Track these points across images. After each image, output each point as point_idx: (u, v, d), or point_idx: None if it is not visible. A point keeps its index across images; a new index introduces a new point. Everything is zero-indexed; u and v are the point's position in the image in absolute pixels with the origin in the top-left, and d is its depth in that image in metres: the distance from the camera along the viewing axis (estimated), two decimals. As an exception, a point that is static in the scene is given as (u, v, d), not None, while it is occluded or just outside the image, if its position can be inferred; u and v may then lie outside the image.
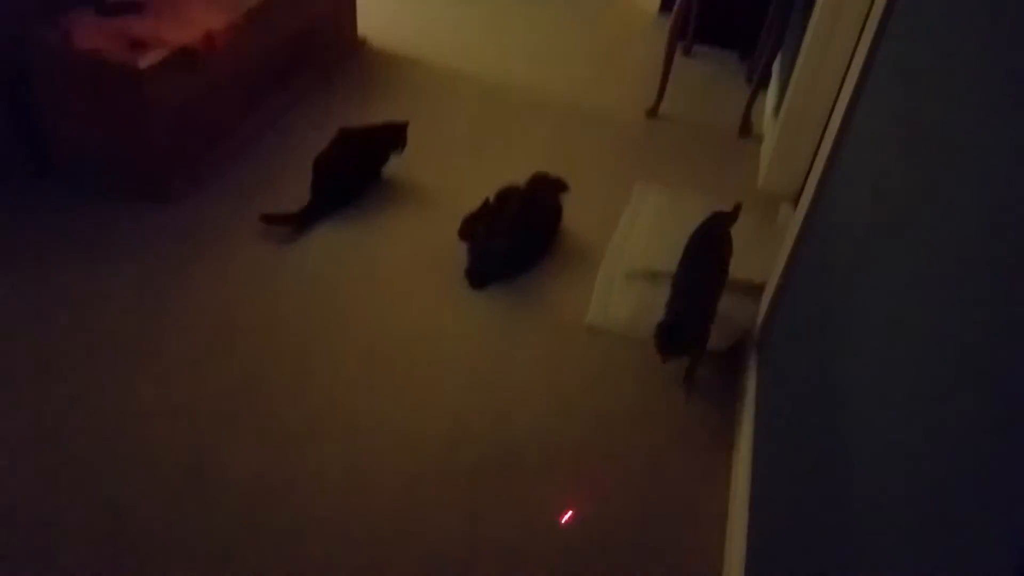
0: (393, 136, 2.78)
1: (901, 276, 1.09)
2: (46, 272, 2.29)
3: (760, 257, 2.48)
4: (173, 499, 1.72)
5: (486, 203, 2.52)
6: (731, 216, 2.42)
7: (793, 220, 2.09)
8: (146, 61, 2.35)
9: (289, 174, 2.71)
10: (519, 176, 2.70)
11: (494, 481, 1.83)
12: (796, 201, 2.71)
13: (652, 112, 3.38)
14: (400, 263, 2.47)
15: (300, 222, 2.54)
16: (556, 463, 1.89)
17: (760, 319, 2.17)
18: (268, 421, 1.93)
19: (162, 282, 2.29)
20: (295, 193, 2.61)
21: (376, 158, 2.79)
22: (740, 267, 2.37)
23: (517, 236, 2.46)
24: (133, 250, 2.39)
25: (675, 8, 3.21)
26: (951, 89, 1.10)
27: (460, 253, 2.48)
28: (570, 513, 1.77)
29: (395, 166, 2.81)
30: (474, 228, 2.48)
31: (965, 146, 0.98)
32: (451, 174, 2.89)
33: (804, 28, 2.79)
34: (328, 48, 3.44)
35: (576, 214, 2.67)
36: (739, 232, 2.39)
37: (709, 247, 2.26)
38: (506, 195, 2.58)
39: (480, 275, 2.41)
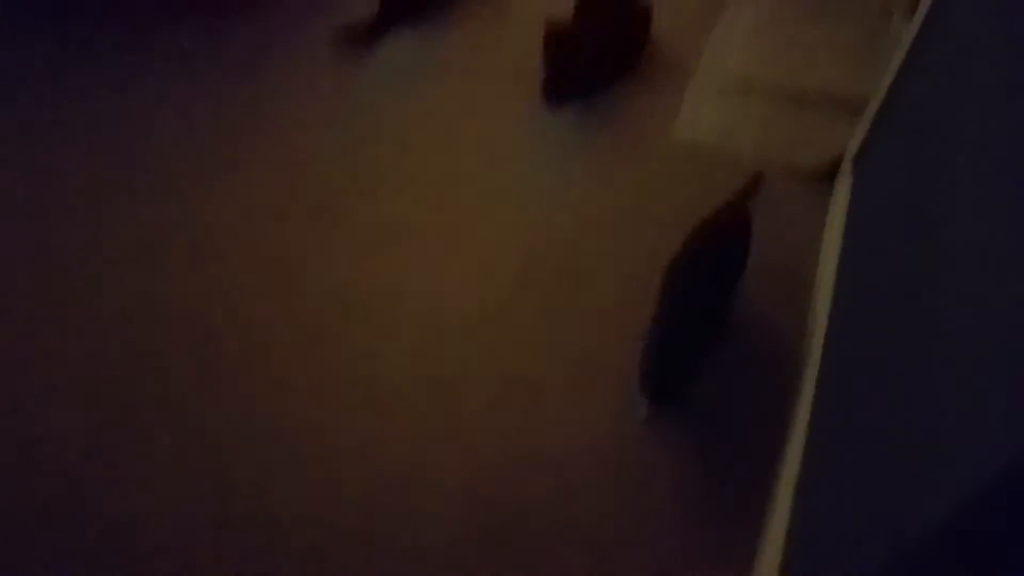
0: None
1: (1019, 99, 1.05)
2: (125, 80, 2.36)
3: (865, 71, 2.36)
4: (259, 298, 1.89)
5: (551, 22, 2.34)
6: (743, 196, 1.77)
7: (907, 31, 1.96)
8: None
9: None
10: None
11: (569, 299, 1.91)
12: (912, 9, 2.51)
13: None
14: (477, 75, 2.44)
15: (370, 33, 2.50)
16: (632, 279, 1.96)
17: (859, 138, 2.11)
18: (345, 231, 2.03)
19: (243, 92, 2.34)
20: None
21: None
22: (842, 81, 2.27)
23: (600, 47, 2.36)
24: (214, 61, 2.42)
25: None
26: None
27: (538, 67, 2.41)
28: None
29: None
30: (559, 39, 2.34)
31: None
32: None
33: None
34: None
35: (667, 19, 2.54)
36: (845, 43, 2.25)
37: (704, 269, 1.65)
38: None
39: (557, 93, 2.36)
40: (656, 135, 2.28)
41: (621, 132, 2.30)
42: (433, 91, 2.40)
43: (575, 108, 2.36)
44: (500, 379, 1.74)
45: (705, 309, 1.65)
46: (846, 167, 2.11)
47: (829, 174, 2.15)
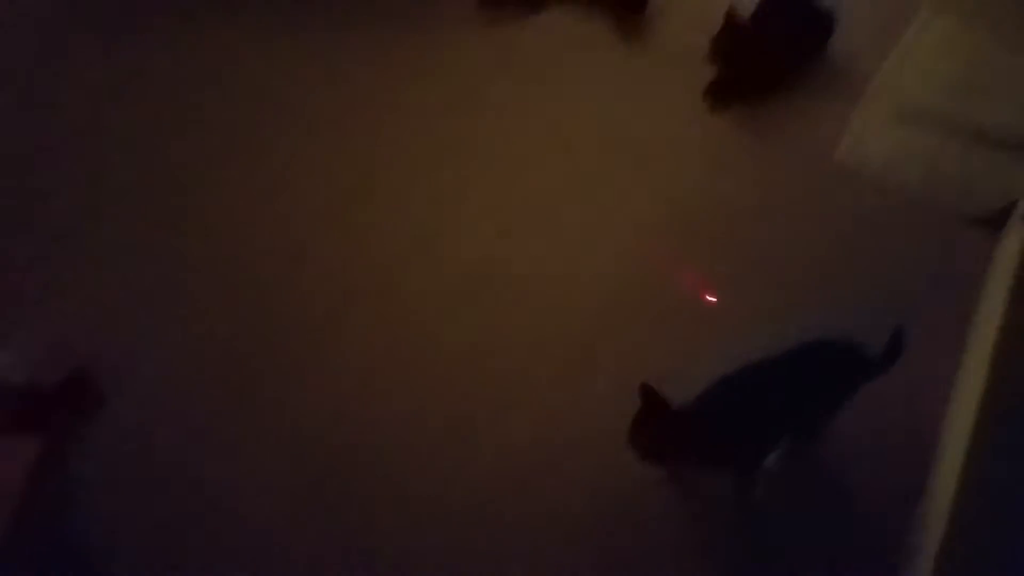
0: None
1: None
2: (268, 30, 2.39)
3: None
4: (397, 260, 1.97)
5: (728, 19, 2.22)
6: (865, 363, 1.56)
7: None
8: None
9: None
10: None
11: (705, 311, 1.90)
12: None
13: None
14: (643, 62, 2.39)
15: (524, 2, 2.46)
16: (770, 304, 1.92)
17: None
18: (482, 210, 2.08)
19: (390, 54, 2.36)
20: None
21: None
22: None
23: (777, 49, 2.26)
24: (358, 20, 2.43)
25: None
26: None
27: (704, 67, 2.32)
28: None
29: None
30: (737, 37, 2.23)
31: None
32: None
33: None
34: None
35: (846, 29, 2.41)
36: None
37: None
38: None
39: (725, 94, 2.27)
40: (817, 155, 2.20)
41: (780, 147, 2.23)
42: (577, 73, 2.37)
43: (737, 112, 2.30)
44: (616, 386, 1.72)
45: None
46: (1018, 219, 1.99)
47: (999, 222, 2.04)
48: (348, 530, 1.59)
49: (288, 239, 2.02)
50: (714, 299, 1.88)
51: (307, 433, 1.72)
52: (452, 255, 1.99)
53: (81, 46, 2.34)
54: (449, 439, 1.70)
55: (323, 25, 2.42)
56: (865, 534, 1.61)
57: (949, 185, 2.12)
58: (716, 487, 1.61)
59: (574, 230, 2.04)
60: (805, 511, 1.63)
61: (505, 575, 1.56)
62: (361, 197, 2.09)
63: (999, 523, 1.27)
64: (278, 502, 1.63)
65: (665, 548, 1.57)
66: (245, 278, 1.95)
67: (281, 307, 1.90)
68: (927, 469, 1.66)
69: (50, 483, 1.48)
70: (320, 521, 1.60)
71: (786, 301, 1.92)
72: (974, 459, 1.53)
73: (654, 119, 2.27)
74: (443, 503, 1.64)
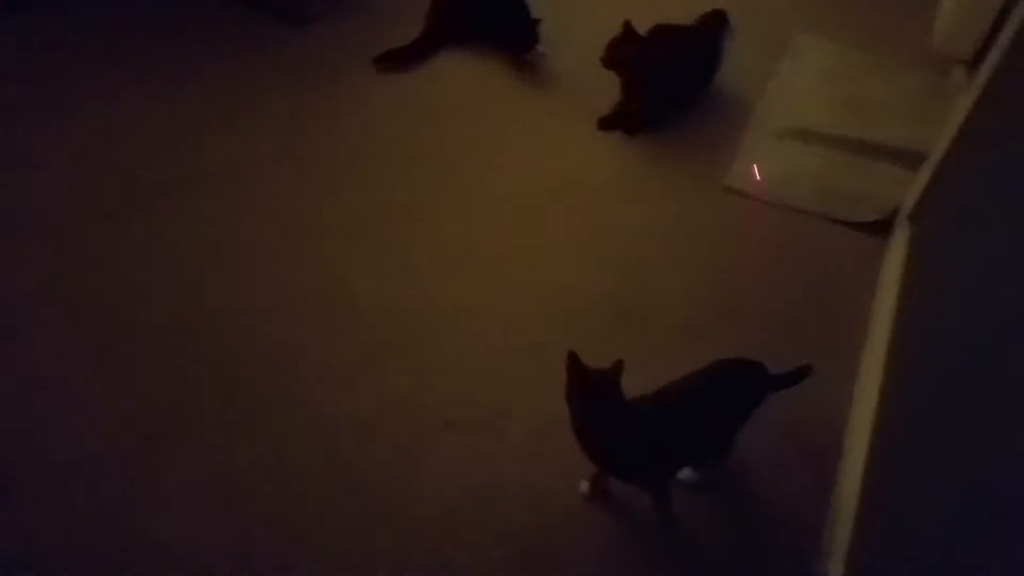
0: (521, 30, 2.53)
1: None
2: (186, 86, 2.41)
3: (923, 124, 2.32)
4: (309, 311, 1.91)
5: (628, 26, 2.33)
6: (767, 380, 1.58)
7: (972, 85, 1.93)
8: None
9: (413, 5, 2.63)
10: (667, 18, 2.55)
11: (621, 339, 1.90)
12: (972, 64, 2.48)
13: (821, -47, 3.07)
14: (539, 102, 2.46)
15: (413, 54, 2.53)
16: (680, 324, 1.94)
17: (916, 193, 2.07)
18: (397, 253, 2.05)
19: (295, 104, 2.38)
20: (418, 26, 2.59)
21: (494, 27, 2.59)
22: (901, 135, 2.24)
23: (675, 64, 2.35)
24: (267, 73, 2.47)
25: None
26: None
27: (599, 97, 2.43)
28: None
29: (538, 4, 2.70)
30: (621, 52, 2.32)
31: None
32: (592, 10, 2.77)
33: None
34: None
35: (729, 62, 2.53)
36: (903, 94, 2.23)
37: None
38: (663, 28, 2.45)
39: (621, 124, 2.37)
40: (712, 177, 2.27)
41: (677, 173, 2.30)
42: (493, 110, 2.43)
43: (634, 141, 2.37)
44: (537, 427, 1.72)
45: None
46: (902, 222, 2.08)
47: (883, 228, 2.12)
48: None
49: (200, 288, 1.96)
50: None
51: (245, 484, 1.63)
52: (369, 302, 1.95)
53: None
54: (379, 477, 1.64)
55: (229, 87, 2.43)
56: (780, 535, 1.60)
57: (837, 198, 2.20)
58: (637, 502, 1.60)
59: (490, 266, 2.04)
60: (723, 519, 1.62)
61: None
62: (268, 250, 2.04)
63: (904, 517, 1.28)
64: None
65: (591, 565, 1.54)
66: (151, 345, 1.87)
67: (190, 367, 1.82)
68: (834, 468, 1.67)
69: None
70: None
71: (696, 320, 1.93)
72: (876, 454, 1.55)
73: (556, 151, 2.33)
74: (373, 540, 1.56)
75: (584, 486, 1.62)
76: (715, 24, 2.52)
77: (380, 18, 2.68)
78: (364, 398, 1.77)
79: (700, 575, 1.56)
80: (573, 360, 1.40)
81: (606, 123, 2.39)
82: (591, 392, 1.41)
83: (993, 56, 1.79)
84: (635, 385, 1.43)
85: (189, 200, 2.13)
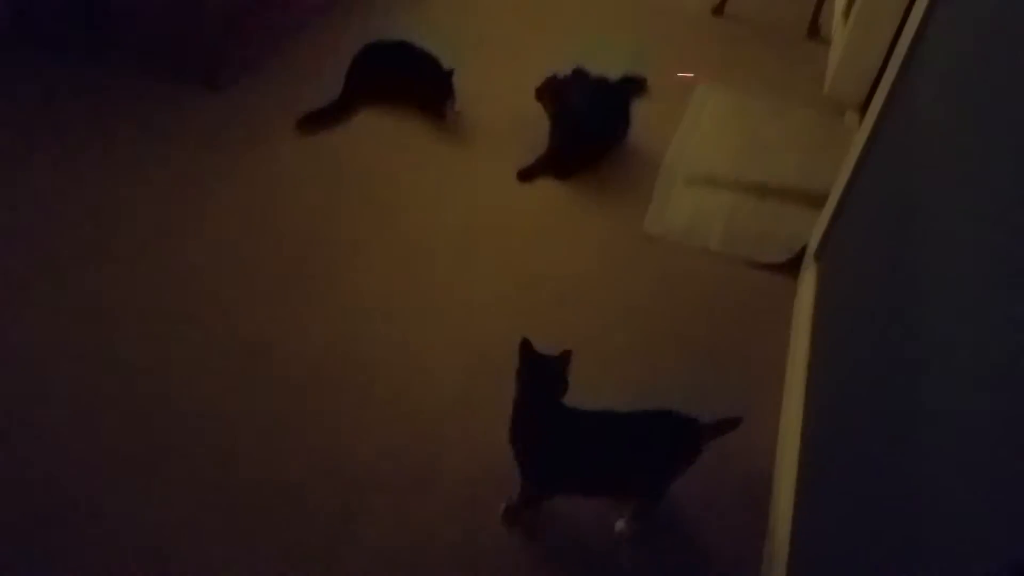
0: (435, 83, 2.57)
1: (982, 186, 1.08)
2: (94, 148, 2.33)
3: (822, 166, 2.43)
4: (226, 376, 1.82)
5: (553, 74, 2.49)
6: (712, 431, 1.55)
7: (861, 127, 2.04)
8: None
9: (342, 63, 2.63)
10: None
11: None
12: (863, 108, 2.63)
13: (718, 11, 3.24)
14: (458, 157, 2.47)
15: (333, 115, 2.53)
16: (608, 368, 1.94)
17: (820, 231, 2.15)
18: (315, 308, 1.99)
19: (209, 168, 2.32)
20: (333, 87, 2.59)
21: (411, 72, 2.62)
22: (801, 175, 2.33)
23: (596, 108, 2.43)
24: (182, 135, 2.42)
25: None
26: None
27: (520, 150, 2.47)
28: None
29: (451, 59, 2.74)
30: (551, 92, 2.42)
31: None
32: (506, 66, 2.84)
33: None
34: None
35: (638, 114, 2.62)
36: (801, 138, 2.34)
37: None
38: (580, 73, 2.54)
39: (564, 156, 2.42)
40: (629, 222, 2.32)
41: (597, 216, 2.34)
42: (409, 166, 2.43)
43: (552, 190, 2.41)
44: (467, 479, 1.67)
45: None
46: (809, 260, 2.14)
47: (795, 266, 2.19)
48: None
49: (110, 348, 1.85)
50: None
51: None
52: (289, 360, 1.87)
53: None
54: (313, 544, 1.54)
55: (141, 152, 2.35)
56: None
57: (746, 239, 2.26)
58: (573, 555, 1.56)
59: (413, 317, 1.99)
60: (659, 566, 1.59)
61: None
62: (181, 313, 1.94)
63: (832, 556, 1.27)
64: None
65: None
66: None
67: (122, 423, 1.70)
68: (766, 506, 1.67)
69: None
70: None
71: (620, 363, 1.93)
72: (802, 494, 1.56)
73: (476, 201, 2.33)
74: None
75: (502, 507, 1.59)
76: (632, 83, 2.67)
77: (295, 81, 2.66)
78: (290, 461, 1.68)
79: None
80: (525, 345, 1.45)
81: (526, 174, 2.42)
82: (538, 372, 1.45)
83: (878, 100, 1.90)
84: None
85: (103, 268, 2.03)
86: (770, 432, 1.81)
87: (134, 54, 2.63)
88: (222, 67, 2.58)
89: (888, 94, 1.82)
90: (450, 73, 2.56)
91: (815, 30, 3.19)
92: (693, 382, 1.90)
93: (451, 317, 2.01)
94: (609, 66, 2.66)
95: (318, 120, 2.51)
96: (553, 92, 2.49)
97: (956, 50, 1.44)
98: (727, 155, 2.52)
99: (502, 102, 2.67)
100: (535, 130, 2.50)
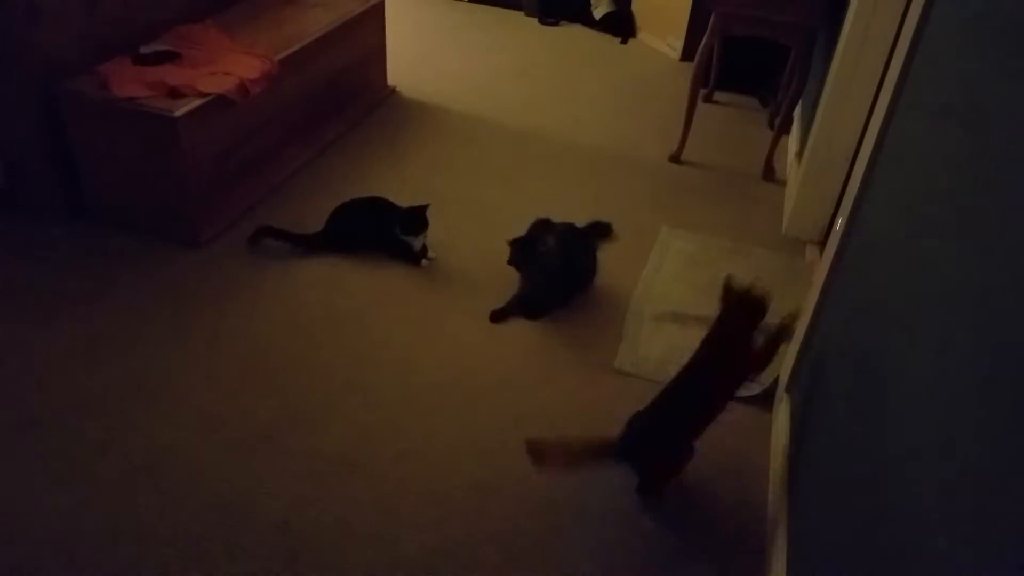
0: (411, 221, 2.63)
1: (938, 310, 1.08)
2: (77, 314, 2.33)
3: (786, 299, 2.46)
4: (207, 532, 1.72)
5: (535, 226, 2.57)
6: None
7: (821, 262, 2.08)
8: (182, 109, 2.42)
9: (317, 220, 2.72)
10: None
11: (528, 534, 1.80)
12: (822, 243, 2.71)
13: (676, 157, 3.41)
14: (432, 302, 2.49)
15: (301, 245, 2.60)
16: (585, 512, 1.85)
17: (790, 364, 2.14)
18: (299, 457, 1.92)
19: (191, 326, 2.32)
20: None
21: (387, 232, 2.66)
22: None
23: (565, 250, 2.48)
24: (163, 294, 2.42)
25: (697, 56, 3.26)
26: (979, 127, 1.10)
27: (492, 294, 2.50)
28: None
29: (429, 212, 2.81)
30: (523, 252, 2.48)
31: (997, 179, 0.97)
32: (480, 219, 2.92)
33: (824, 74, 2.82)
34: (359, 97, 3.53)
35: (604, 257, 2.68)
36: (763, 275, 2.38)
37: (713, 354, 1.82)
38: (546, 223, 2.62)
39: (536, 297, 2.47)
40: (602, 361, 2.31)
41: (570, 358, 2.33)
42: (391, 315, 2.42)
43: (525, 333, 2.40)
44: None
45: None
46: (781, 393, 2.12)
47: (768, 400, 2.15)
48: None
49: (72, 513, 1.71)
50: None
51: None
52: (267, 516, 1.76)
53: None
54: None
55: (122, 315, 2.33)
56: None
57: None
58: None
59: (393, 465, 1.90)
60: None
61: None
62: (150, 476, 1.85)
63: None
64: None
65: None
66: None
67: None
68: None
69: None
70: None
71: (605, 504, 1.84)
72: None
73: (452, 347, 2.31)
74: None
75: None
76: (598, 228, 2.79)
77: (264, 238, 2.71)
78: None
79: None
80: None
81: (498, 315, 2.44)
82: None
83: (835, 234, 1.95)
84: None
85: (84, 424, 1.97)
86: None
87: (115, 218, 2.68)
88: (201, 229, 2.64)
89: (844, 228, 1.88)
90: (424, 208, 2.62)
91: (770, 172, 3.35)
92: (680, 514, 1.81)
93: (426, 467, 1.93)
94: (575, 214, 2.74)
95: (287, 239, 2.61)
96: (521, 246, 2.51)
97: (907, 180, 1.50)
98: (693, 293, 2.55)
99: (473, 251, 2.72)
100: (505, 276, 2.53)
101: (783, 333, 1.86)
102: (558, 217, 2.65)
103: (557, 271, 2.46)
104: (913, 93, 1.56)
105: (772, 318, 1.86)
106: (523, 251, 2.47)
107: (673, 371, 2.23)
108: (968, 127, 1.16)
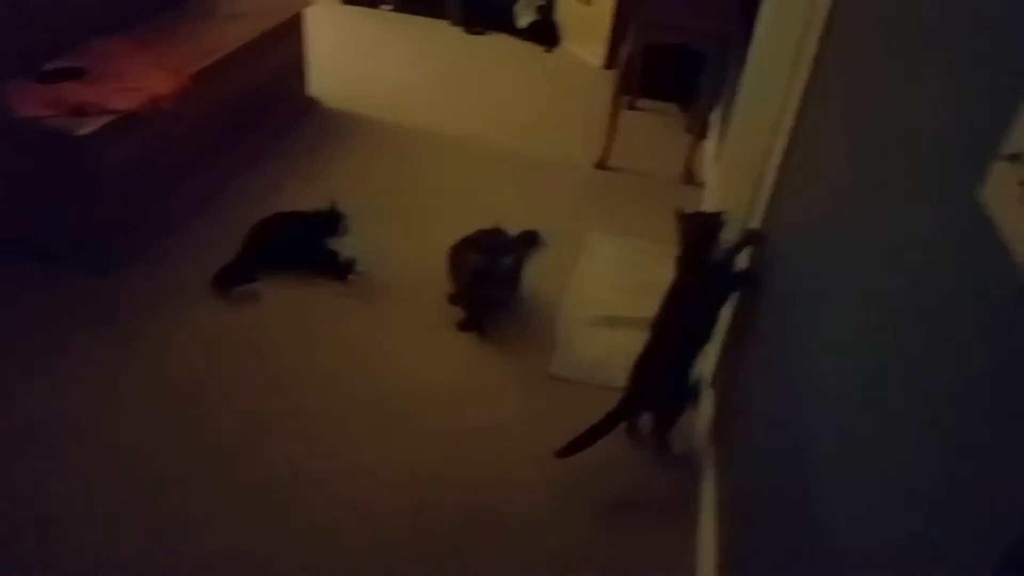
0: (327, 222, 2.62)
1: (846, 304, 1.12)
2: None
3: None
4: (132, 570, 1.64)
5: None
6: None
7: (740, 262, 2.13)
8: (87, 128, 2.32)
9: (233, 239, 2.63)
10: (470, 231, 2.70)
11: (465, 546, 1.79)
12: (739, 248, 2.78)
13: (601, 164, 3.46)
14: (361, 318, 2.45)
15: (220, 281, 2.49)
16: (530, 524, 1.85)
17: (713, 360, 2.19)
18: (227, 491, 1.86)
19: (103, 359, 2.21)
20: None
21: (308, 242, 2.64)
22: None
23: (492, 256, 2.47)
24: (73, 323, 2.31)
25: (619, 64, 3.32)
26: (872, 125, 1.14)
27: (423, 307, 2.48)
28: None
29: (353, 226, 2.77)
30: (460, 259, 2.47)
31: (885, 172, 1.01)
32: (409, 230, 2.89)
33: (738, 80, 2.91)
34: (278, 110, 3.46)
35: (534, 265, 2.68)
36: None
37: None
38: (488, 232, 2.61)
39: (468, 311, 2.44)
40: (537, 369, 2.32)
41: (506, 367, 2.33)
42: (317, 335, 2.37)
43: (460, 346, 2.39)
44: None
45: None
46: (706, 388, 2.16)
47: (695, 397, 2.20)
48: None
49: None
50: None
51: None
52: (207, 547, 1.68)
53: None
54: None
55: (31, 346, 2.21)
56: None
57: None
58: None
59: (335, 485, 1.86)
60: None
61: None
62: (78, 512, 1.74)
63: None
64: None
65: None
66: None
67: None
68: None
69: None
70: None
71: (541, 516, 1.84)
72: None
73: (387, 364, 2.28)
74: None
75: None
76: (529, 236, 2.74)
77: (180, 260, 2.62)
78: None
79: None
80: None
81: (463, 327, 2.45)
82: None
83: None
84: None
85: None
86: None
87: (18, 246, 2.54)
88: (113, 254, 2.53)
89: (762, 226, 1.93)
90: (340, 216, 2.58)
91: (690, 176, 3.43)
92: (611, 537, 1.83)
93: (361, 490, 1.89)
94: (505, 222, 2.74)
95: (230, 277, 2.49)
96: (454, 259, 2.52)
97: (816, 177, 1.55)
98: (622, 296, 2.59)
99: (402, 263, 2.69)
100: (436, 287, 2.52)
101: (752, 237, 1.92)
102: (487, 224, 2.64)
103: (484, 284, 2.46)
104: (820, 95, 1.62)
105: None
106: (454, 260, 2.47)
107: (609, 374, 2.27)
108: (860, 125, 1.21)
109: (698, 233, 1.89)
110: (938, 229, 0.83)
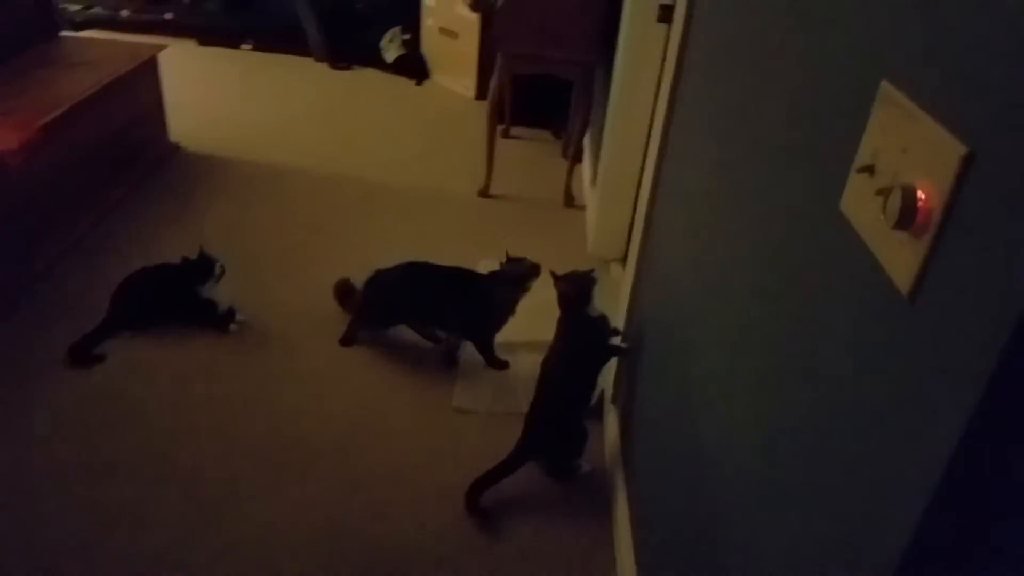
0: (198, 270, 2.48)
1: (726, 316, 1.18)
2: None
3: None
4: None
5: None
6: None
7: (625, 276, 2.21)
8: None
9: (104, 294, 2.47)
10: (358, 269, 2.65)
11: None
12: (624, 260, 2.88)
13: (483, 192, 3.50)
14: (247, 370, 2.34)
15: (77, 354, 2.29)
16: (437, 556, 1.81)
17: (611, 377, 2.24)
18: (112, 564, 1.71)
19: None
20: (102, 317, 2.41)
21: (181, 293, 2.48)
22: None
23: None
24: None
25: (490, 95, 3.39)
26: (729, 138, 1.22)
27: (311, 352, 2.41)
28: None
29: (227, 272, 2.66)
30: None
31: (744, 183, 1.08)
32: (291, 273, 2.80)
33: (606, 103, 3.03)
34: (138, 157, 3.28)
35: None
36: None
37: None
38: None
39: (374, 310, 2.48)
40: (441, 402, 2.29)
41: (412, 404, 2.29)
42: (201, 392, 2.23)
43: (355, 383, 2.32)
44: None
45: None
46: (608, 405, 2.21)
47: (599, 413, 2.24)
48: None
49: None
50: None
51: None
52: None
53: None
54: None
55: None
56: None
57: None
58: None
59: (229, 551, 1.73)
60: None
61: None
62: None
63: None
64: None
65: None
66: None
67: None
68: None
69: None
70: None
71: (451, 555, 1.80)
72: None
73: (278, 412, 2.17)
74: None
75: None
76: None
77: (44, 321, 2.42)
78: None
79: None
80: None
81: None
82: None
83: (633, 251, 2.08)
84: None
85: None
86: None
87: None
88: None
89: (640, 242, 2.01)
90: (211, 262, 2.46)
91: (570, 199, 3.53)
92: (516, 549, 1.82)
93: (262, 555, 1.79)
94: (391, 256, 2.71)
95: (90, 346, 2.30)
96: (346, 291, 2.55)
97: (685, 191, 1.63)
98: (517, 321, 2.60)
99: (286, 308, 2.60)
100: (326, 331, 2.48)
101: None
102: (375, 262, 2.60)
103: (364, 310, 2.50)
104: (683, 112, 1.71)
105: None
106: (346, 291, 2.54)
107: (512, 400, 2.28)
108: (721, 139, 1.29)
109: (573, 292, 1.97)
110: (806, 238, 0.90)
